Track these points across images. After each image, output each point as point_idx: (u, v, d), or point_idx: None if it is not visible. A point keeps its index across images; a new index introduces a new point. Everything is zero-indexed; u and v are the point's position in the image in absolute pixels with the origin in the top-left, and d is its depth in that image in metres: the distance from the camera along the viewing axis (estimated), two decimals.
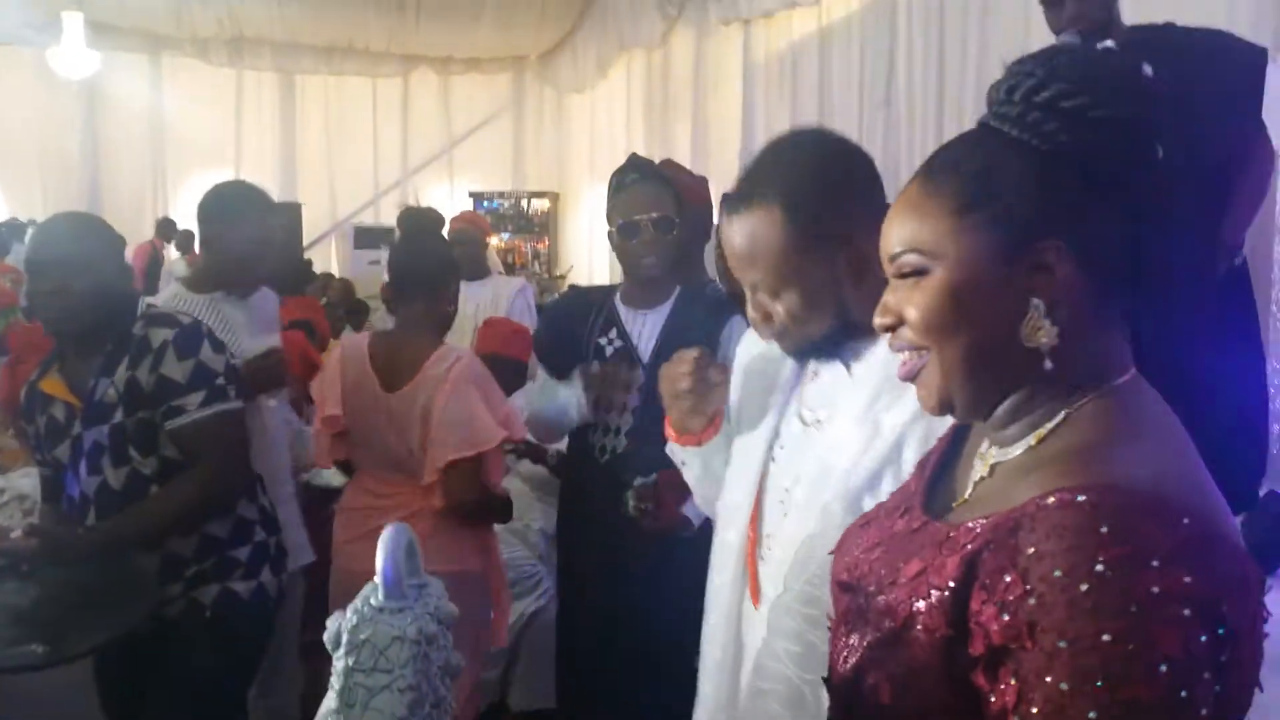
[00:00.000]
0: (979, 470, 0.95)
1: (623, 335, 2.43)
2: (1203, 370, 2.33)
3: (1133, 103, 0.87)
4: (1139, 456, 0.82)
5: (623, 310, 2.46)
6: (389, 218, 10.09)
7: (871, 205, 1.31)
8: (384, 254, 5.43)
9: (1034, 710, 0.75)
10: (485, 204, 11.16)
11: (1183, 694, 0.72)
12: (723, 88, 8.08)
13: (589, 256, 10.28)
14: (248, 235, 2.63)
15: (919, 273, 0.92)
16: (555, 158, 11.63)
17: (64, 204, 10.52)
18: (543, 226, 11.32)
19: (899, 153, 5.53)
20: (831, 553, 1.10)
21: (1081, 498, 0.77)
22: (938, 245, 0.91)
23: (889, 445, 1.26)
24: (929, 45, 5.88)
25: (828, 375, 1.40)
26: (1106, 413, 0.87)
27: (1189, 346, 2.33)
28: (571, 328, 2.51)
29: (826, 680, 1.00)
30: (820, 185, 1.31)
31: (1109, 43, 2.32)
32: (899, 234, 0.94)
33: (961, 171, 0.91)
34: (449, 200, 11.62)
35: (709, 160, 8.09)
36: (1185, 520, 0.76)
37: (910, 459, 1.22)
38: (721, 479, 1.52)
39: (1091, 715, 0.72)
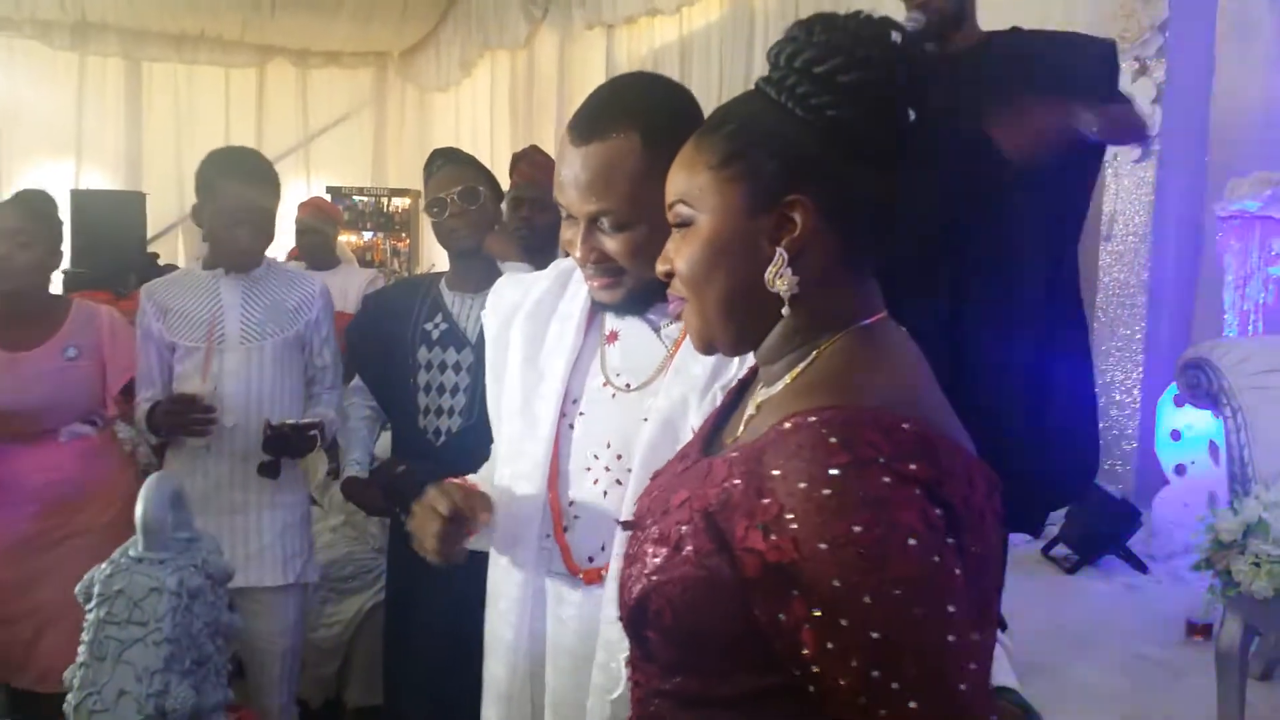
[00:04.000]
0: (750, 409, 1.01)
1: (448, 319, 2.49)
2: (1034, 370, 2.43)
3: (879, 67, 0.92)
4: (869, 382, 0.90)
5: (447, 295, 2.52)
6: None
7: None
8: None
9: (817, 614, 0.81)
10: (344, 200, 10.91)
11: (935, 559, 0.80)
12: (586, 90, 7.94)
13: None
14: (217, 208, 2.51)
15: (685, 224, 0.99)
16: (417, 156, 11.41)
17: None
18: (403, 224, 11.13)
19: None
20: None
21: (813, 419, 0.85)
22: (699, 197, 0.97)
23: None
24: None
25: (632, 339, 1.39)
26: (849, 348, 0.96)
27: (1020, 348, 2.43)
28: (396, 316, 2.53)
29: (620, 616, 1.01)
30: (674, 117, 1.28)
31: (915, 18, 2.40)
32: (673, 185, 1.01)
33: (723, 129, 0.97)
34: (306, 194, 11.30)
35: None
36: (905, 425, 0.83)
37: None
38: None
39: (866, 599, 0.79)
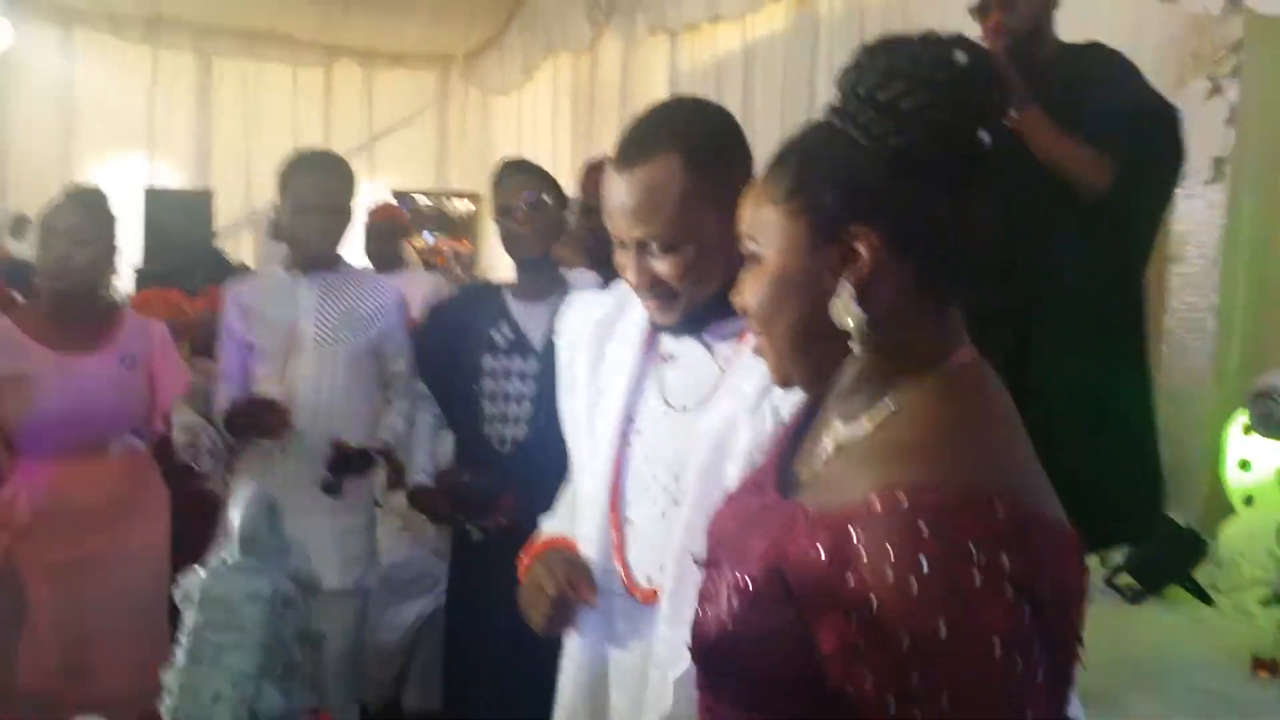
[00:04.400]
0: (827, 446, 0.98)
1: (514, 327, 2.51)
2: (1097, 400, 2.41)
3: (943, 91, 0.89)
4: (956, 451, 0.87)
5: (513, 303, 2.54)
6: None
7: (749, 169, 1.34)
8: None
9: (891, 701, 0.79)
10: (406, 202, 11.03)
11: (1018, 665, 0.78)
12: (648, 96, 8.11)
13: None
14: (290, 206, 2.54)
15: (755, 258, 0.98)
16: (479, 159, 11.54)
17: None
18: (465, 228, 11.22)
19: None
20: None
21: (903, 501, 0.82)
22: (765, 232, 0.97)
23: None
24: None
25: (687, 360, 1.40)
26: (934, 400, 0.92)
27: (1083, 376, 2.41)
28: (462, 323, 2.56)
29: (692, 651, 1.01)
30: (715, 139, 1.34)
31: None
32: (744, 220, 1.00)
33: (787, 161, 0.97)
34: (369, 196, 11.44)
35: None
36: (997, 509, 0.80)
37: None
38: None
39: (944, 700, 0.77)
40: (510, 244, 2.53)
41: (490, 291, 2.64)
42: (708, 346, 1.37)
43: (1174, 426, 3.96)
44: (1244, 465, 3.78)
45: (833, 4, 6.19)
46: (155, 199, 9.46)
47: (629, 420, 1.41)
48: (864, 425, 0.94)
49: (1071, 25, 3.19)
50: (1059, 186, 2.32)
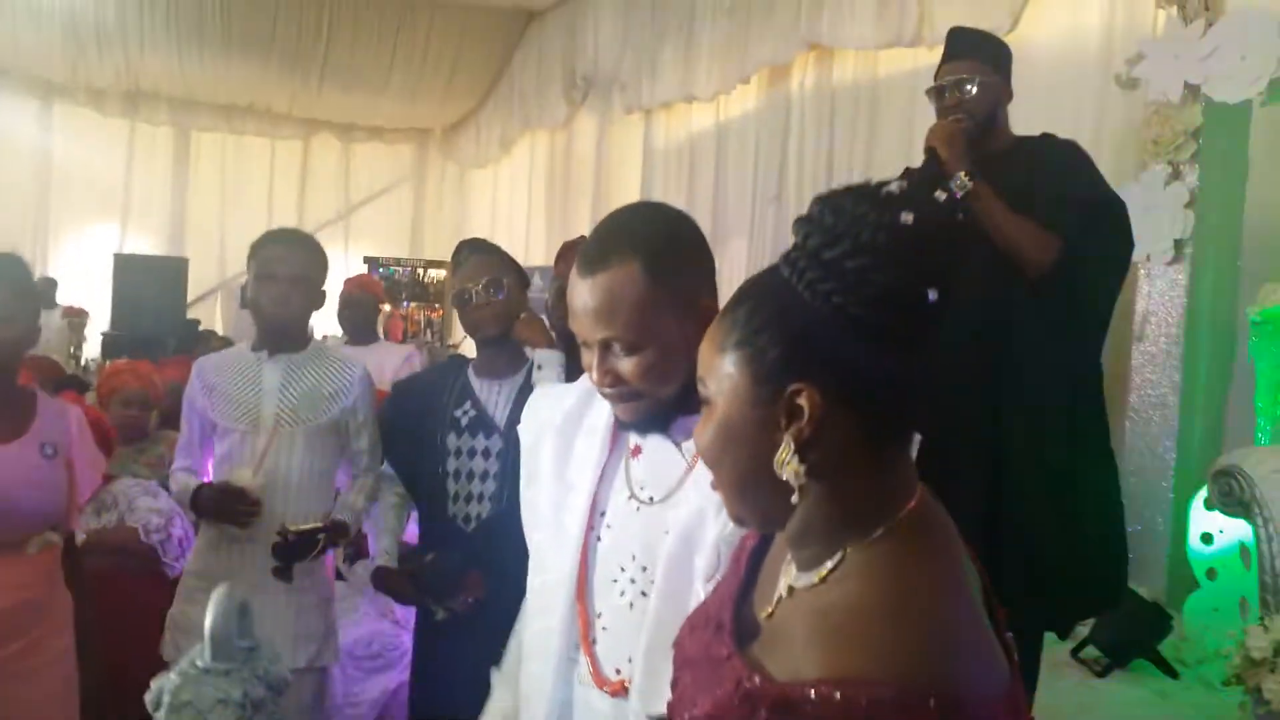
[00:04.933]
0: (782, 586, 0.99)
1: (476, 405, 2.53)
2: (1061, 476, 2.44)
3: (886, 253, 0.88)
4: (895, 634, 0.85)
5: (475, 381, 2.56)
6: None
7: (710, 272, 1.38)
8: None
9: None
10: (381, 270, 11.08)
11: None
12: (623, 171, 8.26)
13: None
14: (254, 275, 2.56)
15: (707, 401, 0.98)
16: (454, 229, 11.64)
17: None
18: (438, 296, 11.28)
19: (788, 247, 5.73)
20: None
21: (837, 694, 0.82)
22: (714, 377, 0.96)
23: None
24: (820, 144, 6.15)
25: (654, 453, 1.42)
26: (879, 565, 0.91)
27: (1047, 452, 2.45)
28: (425, 403, 2.58)
29: None
30: (673, 245, 1.37)
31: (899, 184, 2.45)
32: (700, 361, 0.99)
33: (738, 309, 0.96)
34: (344, 265, 11.50)
35: None
36: (931, 702, 0.80)
37: None
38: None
39: None
40: (468, 325, 2.56)
41: (453, 369, 2.66)
42: (673, 441, 1.39)
43: (1138, 502, 4.01)
44: (1206, 539, 3.83)
45: (804, 84, 6.35)
46: (125, 264, 9.45)
47: (599, 513, 1.43)
48: (812, 577, 0.94)
49: (1036, 111, 3.28)
50: (1013, 265, 2.38)
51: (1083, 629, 3.58)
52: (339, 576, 3.30)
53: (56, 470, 2.35)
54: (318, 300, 2.65)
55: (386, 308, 10.12)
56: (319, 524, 2.51)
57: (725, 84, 6.91)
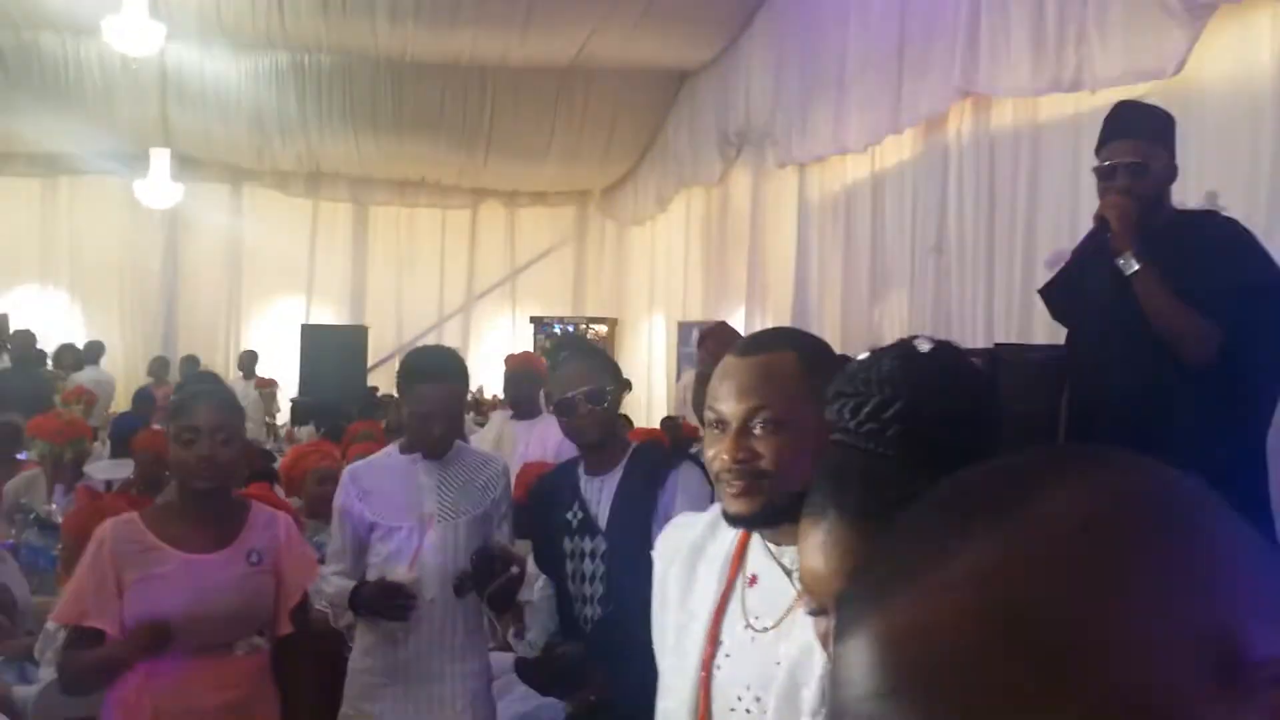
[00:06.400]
0: None
1: (583, 506, 2.55)
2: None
3: (954, 399, 0.94)
4: None
5: (583, 480, 2.59)
6: (452, 340, 10.36)
7: None
8: None
9: None
10: (545, 328, 11.40)
11: None
12: (778, 225, 8.24)
13: (648, 379, 10.43)
14: (414, 409, 2.67)
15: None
16: (615, 286, 11.89)
17: (141, 326, 11.02)
18: (602, 349, 11.51)
19: (949, 298, 5.60)
20: None
21: None
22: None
23: None
24: (979, 193, 5.98)
25: (768, 581, 1.43)
26: None
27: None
28: (548, 505, 2.65)
29: None
30: (825, 349, 1.45)
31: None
32: None
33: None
34: (510, 326, 11.90)
35: (765, 294, 8.24)
36: None
37: None
38: None
39: None
40: (570, 432, 2.57)
41: (570, 469, 2.69)
42: (786, 571, 1.40)
43: None
44: None
45: (961, 131, 6.21)
46: (311, 334, 10.03)
47: (718, 642, 1.45)
48: None
49: (1209, 160, 3.11)
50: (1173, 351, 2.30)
51: None
52: (506, 647, 3.38)
53: (261, 578, 2.46)
54: (463, 413, 2.77)
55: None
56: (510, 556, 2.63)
57: (878, 135, 6.83)
